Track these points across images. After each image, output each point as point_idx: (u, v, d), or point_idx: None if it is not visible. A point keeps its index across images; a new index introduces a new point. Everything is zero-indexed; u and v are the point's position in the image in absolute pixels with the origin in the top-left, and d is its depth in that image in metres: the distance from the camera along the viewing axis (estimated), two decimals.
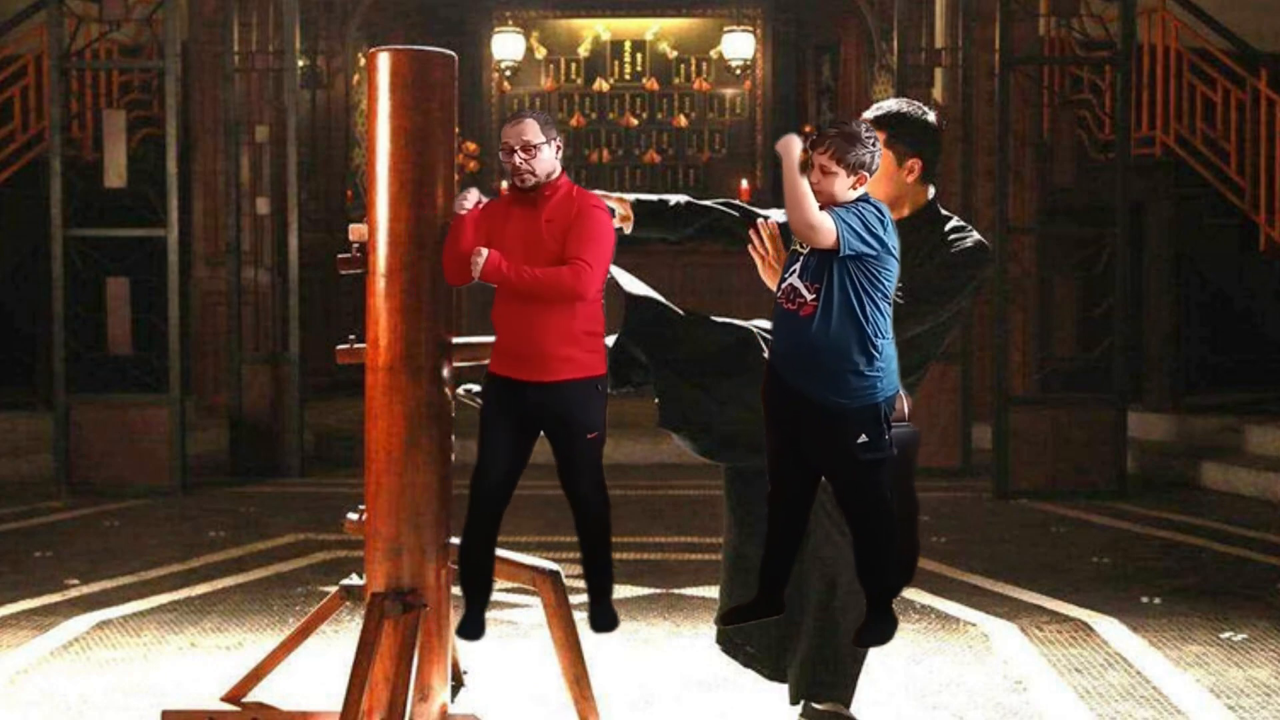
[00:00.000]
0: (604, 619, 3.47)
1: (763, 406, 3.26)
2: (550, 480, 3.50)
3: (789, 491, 3.24)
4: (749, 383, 3.34)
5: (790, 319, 3.15)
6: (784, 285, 3.18)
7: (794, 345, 3.15)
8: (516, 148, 3.37)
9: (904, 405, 3.17)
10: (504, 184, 3.68)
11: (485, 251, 3.32)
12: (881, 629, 3.26)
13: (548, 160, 3.40)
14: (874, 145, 3.16)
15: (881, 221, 3.13)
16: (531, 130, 3.38)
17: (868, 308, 3.11)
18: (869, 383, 3.12)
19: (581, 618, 3.51)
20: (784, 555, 3.29)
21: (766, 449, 3.27)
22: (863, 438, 3.12)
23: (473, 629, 3.47)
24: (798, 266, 3.16)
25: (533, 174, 3.38)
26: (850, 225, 3.08)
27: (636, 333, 3.66)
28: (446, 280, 3.47)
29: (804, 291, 3.12)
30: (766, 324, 3.55)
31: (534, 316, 3.36)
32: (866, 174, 3.15)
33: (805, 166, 3.08)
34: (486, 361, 3.60)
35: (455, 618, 3.54)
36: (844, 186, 3.14)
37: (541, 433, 3.45)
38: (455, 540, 3.56)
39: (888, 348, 3.16)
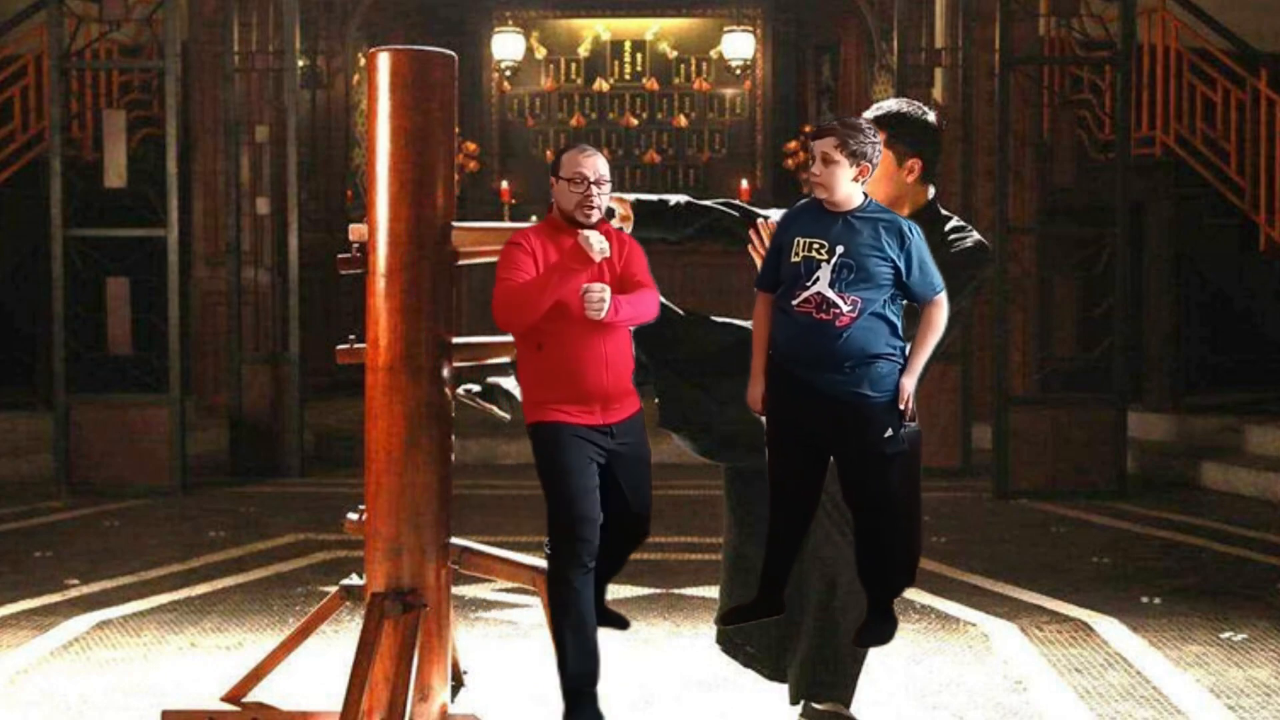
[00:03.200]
0: (609, 619, 3.52)
1: (769, 407, 3.26)
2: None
3: (794, 492, 3.24)
4: (748, 383, 3.34)
5: (821, 327, 3.14)
6: (809, 293, 3.15)
7: (823, 351, 3.15)
8: (593, 180, 3.37)
9: (912, 405, 3.20)
10: (504, 184, 3.66)
11: (607, 290, 3.27)
12: (882, 630, 3.26)
13: (607, 198, 3.44)
14: (876, 138, 3.19)
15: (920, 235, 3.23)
16: (604, 166, 3.40)
17: (893, 304, 3.19)
18: (892, 369, 3.17)
19: None
20: (785, 556, 3.30)
21: (770, 449, 3.27)
22: (888, 432, 3.17)
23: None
24: (826, 275, 3.14)
25: (600, 210, 3.39)
26: (933, 265, 3.22)
27: (637, 333, 3.67)
28: (509, 322, 3.36)
29: (840, 304, 3.13)
30: None
31: (610, 354, 3.37)
32: (869, 166, 3.18)
33: (806, 162, 3.14)
34: (487, 361, 3.60)
35: (455, 618, 3.54)
36: (846, 177, 3.17)
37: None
38: (455, 540, 3.56)
39: (904, 330, 3.23)
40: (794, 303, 3.18)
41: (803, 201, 3.33)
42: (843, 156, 3.15)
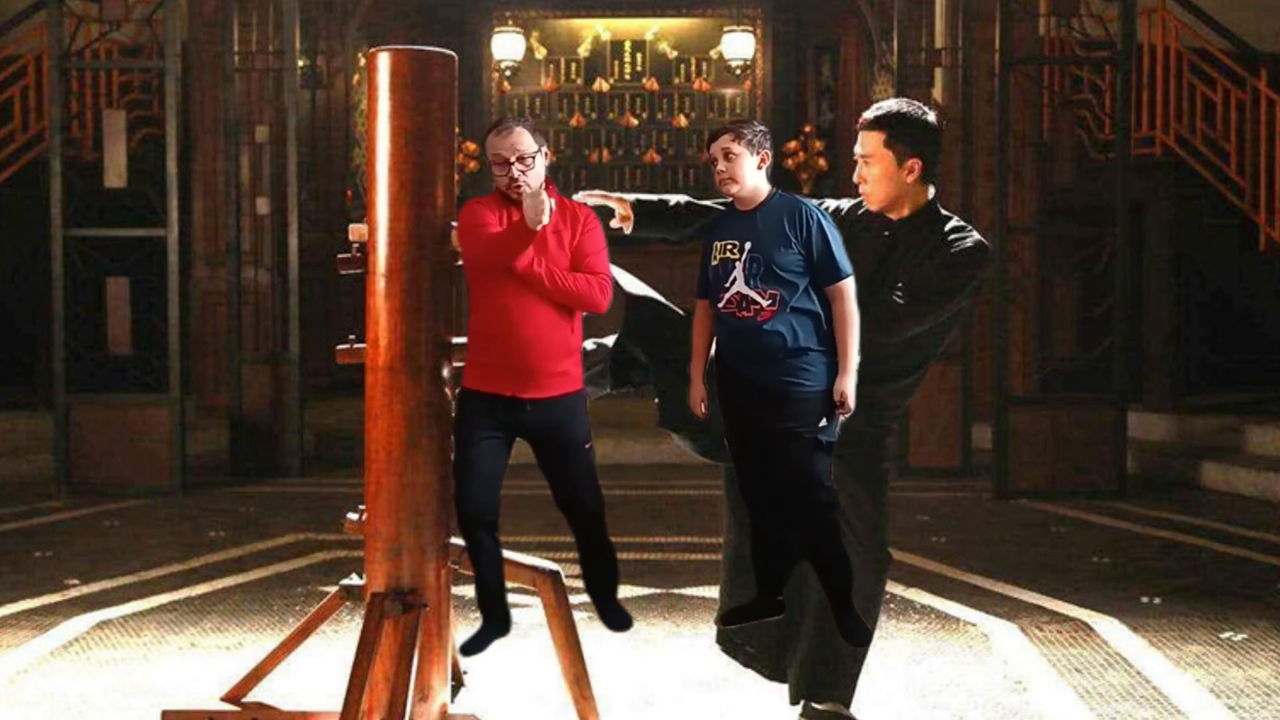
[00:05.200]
0: (619, 617, 3.47)
1: (721, 408, 3.35)
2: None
3: (758, 482, 3.31)
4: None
5: (745, 325, 3.24)
6: (730, 294, 3.26)
7: (751, 347, 3.25)
8: (511, 160, 3.34)
9: (850, 404, 3.28)
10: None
11: (552, 203, 3.23)
12: (856, 626, 3.29)
13: (541, 170, 3.38)
14: (764, 130, 3.36)
15: (825, 218, 3.33)
16: (524, 141, 3.35)
17: (815, 296, 3.27)
18: (821, 360, 3.25)
19: (581, 617, 3.51)
20: (773, 552, 3.33)
21: (733, 454, 3.38)
22: (822, 421, 3.26)
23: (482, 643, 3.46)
24: (739, 273, 3.25)
25: (529, 185, 3.35)
26: (840, 250, 3.28)
27: (636, 333, 3.67)
28: (476, 267, 3.34)
29: (758, 299, 3.24)
30: None
31: (536, 332, 3.32)
32: (768, 154, 3.33)
33: (709, 165, 3.33)
34: None
35: (455, 618, 3.54)
36: (751, 166, 3.31)
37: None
38: (455, 540, 3.56)
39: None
40: (720, 305, 3.30)
41: (720, 210, 3.47)
42: (741, 147, 3.29)
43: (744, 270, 3.24)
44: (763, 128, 3.35)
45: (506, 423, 3.38)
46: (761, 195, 3.32)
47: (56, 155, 8.04)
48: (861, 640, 3.36)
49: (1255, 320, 10.62)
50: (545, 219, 3.21)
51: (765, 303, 3.22)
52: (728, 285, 3.27)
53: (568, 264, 3.35)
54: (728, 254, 3.29)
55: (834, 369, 3.26)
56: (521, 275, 3.28)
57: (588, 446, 3.43)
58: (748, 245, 3.26)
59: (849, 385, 3.25)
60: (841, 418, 3.29)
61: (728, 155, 3.29)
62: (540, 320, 3.32)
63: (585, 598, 3.48)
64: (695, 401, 3.42)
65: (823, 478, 3.27)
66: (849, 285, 3.28)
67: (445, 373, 3.52)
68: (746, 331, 3.24)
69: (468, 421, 3.40)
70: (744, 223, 3.31)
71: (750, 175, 3.29)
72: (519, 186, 3.34)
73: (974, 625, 5.15)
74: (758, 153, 3.30)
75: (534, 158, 3.35)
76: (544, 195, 3.23)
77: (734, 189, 3.31)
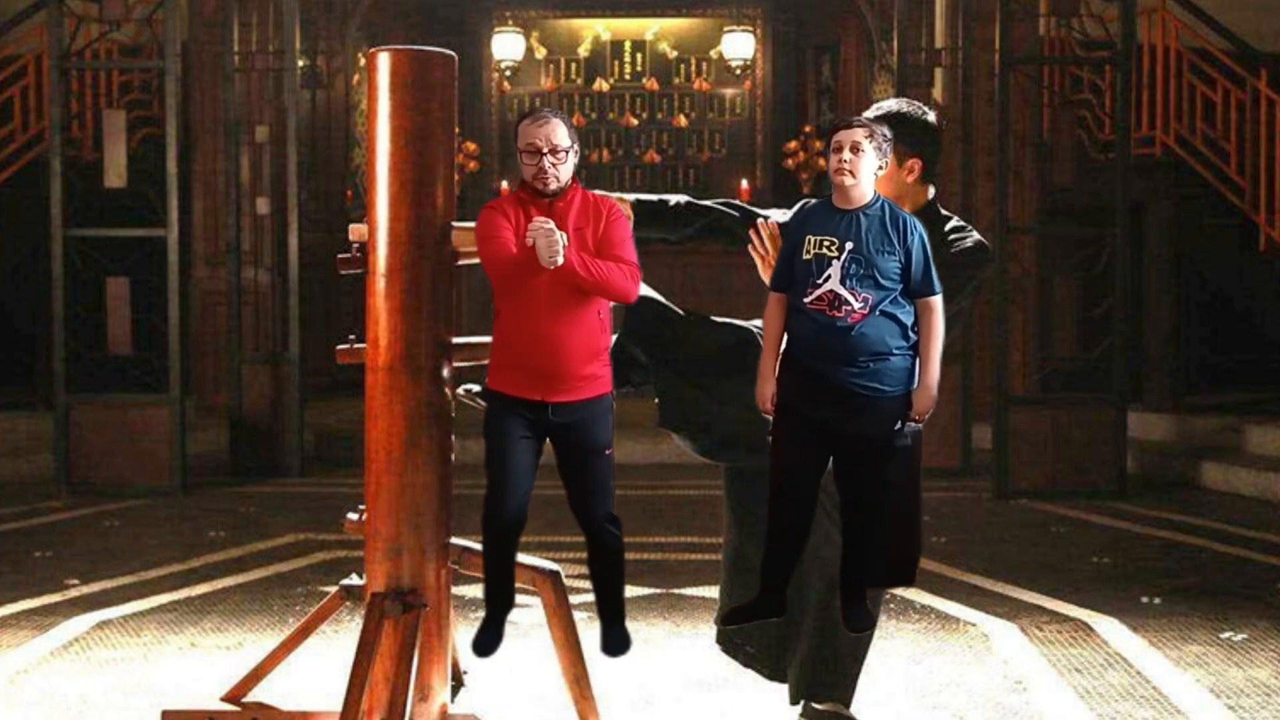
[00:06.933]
0: (619, 643, 3.45)
1: (779, 399, 3.26)
2: (550, 480, 3.50)
3: (796, 486, 3.25)
4: (749, 383, 3.35)
5: (833, 324, 3.17)
6: (821, 290, 3.18)
7: (836, 347, 3.18)
8: (545, 150, 3.28)
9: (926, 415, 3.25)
10: (504, 184, 3.63)
11: (564, 237, 3.18)
12: (861, 614, 3.29)
13: (571, 166, 3.34)
14: (890, 137, 3.29)
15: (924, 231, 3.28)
16: (559, 133, 3.30)
17: (903, 303, 3.22)
18: (903, 365, 3.21)
19: (581, 617, 3.51)
20: (785, 556, 3.30)
21: (775, 441, 3.28)
22: (897, 424, 3.23)
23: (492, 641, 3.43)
24: (836, 271, 3.18)
25: (558, 179, 3.31)
26: (934, 270, 3.23)
27: (636, 333, 3.66)
28: (494, 275, 3.29)
29: (851, 300, 3.16)
30: None
31: (564, 334, 3.28)
32: (885, 165, 3.26)
33: (827, 151, 3.24)
34: (486, 362, 3.60)
35: (455, 618, 3.54)
36: (871, 167, 3.24)
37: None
38: (455, 540, 3.56)
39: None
40: (806, 301, 3.20)
41: (813, 202, 3.36)
42: (871, 146, 3.21)
43: (842, 269, 3.16)
44: (890, 134, 3.27)
45: (535, 423, 3.35)
46: (868, 197, 3.24)
47: (56, 155, 8.04)
48: (862, 626, 3.34)
49: (1255, 320, 10.61)
50: (559, 259, 3.15)
51: (858, 304, 3.15)
52: (820, 281, 3.18)
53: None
54: (824, 250, 3.19)
55: (911, 373, 3.21)
56: (565, 276, 3.22)
57: (608, 452, 3.39)
58: (848, 245, 3.18)
59: (930, 399, 3.22)
60: (914, 424, 3.26)
61: (856, 149, 3.19)
62: (566, 323, 3.28)
63: (585, 598, 3.48)
64: (765, 398, 3.27)
65: (884, 484, 3.23)
66: (940, 301, 3.23)
67: (445, 373, 3.52)
68: (834, 331, 3.16)
69: (500, 423, 3.35)
70: (844, 221, 3.22)
71: (868, 175, 3.22)
72: (547, 179, 3.29)
73: (974, 625, 5.15)
74: (881, 157, 3.23)
75: (567, 152, 3.30)
76: (558, 233, 3.16)
77: (849, 183, 3.21)
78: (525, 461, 3.36)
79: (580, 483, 3.39)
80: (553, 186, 3.31)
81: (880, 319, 3.17)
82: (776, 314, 3.28)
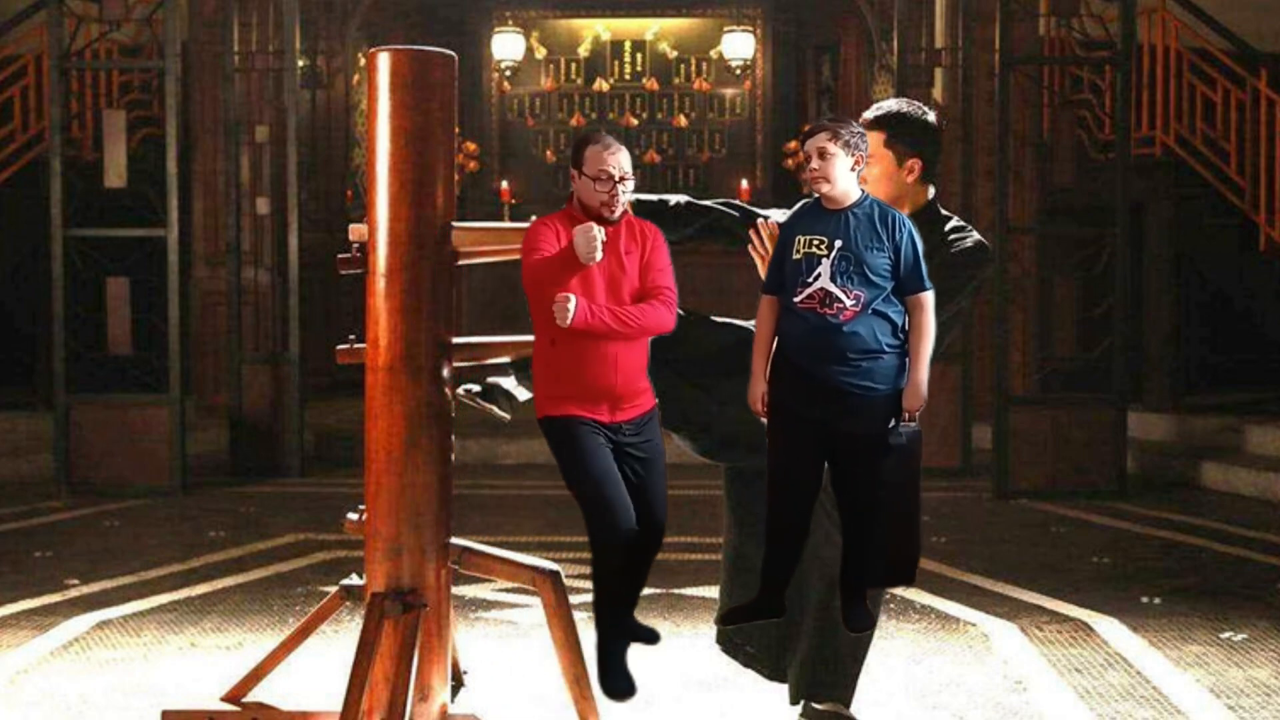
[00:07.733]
0: (641, 633, 3.44)
1: (772, 399, 3.27)
2: (551, 480, 3.51)
3: (793, 484, 3.26)
4: (748, 383, 3.35)
5: (824, 322, 3.18)
6: (812, 289, 3.19)
7: (828, 346, 3.18)
8: (618, 177, 3.31)
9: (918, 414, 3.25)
10: (504, 184, 3.64)
11: (573, 300, 3.19)
12: (861, 614, 3.29)
13: (631, 193, 3.38)
14: (862, 130, 3.29)
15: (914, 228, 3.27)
16: (628, 161, 3.34)
17: (894, 301, 3.22)
18: (895, 364, 3.21)
19: (581, 617, 3.51)
20: (784, 556, 3.30)
21: (771, 441, 3.28)
22: (890, 422, 3.22)
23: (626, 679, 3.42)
24: (826, 269, 3.19)
25: (622, 205, 3.34)
26: (923, 267, 3.23)
27: None
28: (538, 296, 3.29)
29: (843, 297, 3.17)
30: None
31: (620, 355, 3.32)
32: (862, 156, 3.25)
33: (802, 164, 3.22)
34: (487, 361, 3.60)
35: (455, 618, 3.53)
36: (844, 166, 3.23)
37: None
38: (455, 540, 3.56)
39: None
40: (797, 300, 3.21)
41: (802, 202, 3.36)
42: (837, 148, 3.21)
43: (832, 267, 3.18)
44: (860, 129, 3.28)
45: (607, 436, 3.37)
46: (853, 197, 3.24)
47: (56, 155, 8.04)
48: (862, 626, 3.34)
49: (1255, 320, 10.61)
50: (598, 256, 3.16)
51: (849, 302, 3.16)
52: (810, 280, 3.19)
53: (636, 283, 3.33)
54: (813, 249, 3.21)
55: (902, 370, 3.22)
56: (584, 331, 3.23)
57: (664, 463, 3.45)
58: (838, 243, 3.19)
59: (919, 397, 3.22)
60: (911, 425, 3.27)
61: (823, 154, 3.21)
62: (621, 344, 3.31)
63: (585, 598, 3.47)
64: (756, 398, 3.30)
65: (879, 483, 3.24)
66: (930, 298, 3.24)
67: (445, 373, 3.52)
68: (825, 330, 3.17)
69: (579, 442, 3.33)
70: (833, 220, 3.23)
71: (843, 176, 3.22)
72: (615, 206, 3.31)
73: (974, 625, 5.15)
74: (853, 154, 3.22)
75: (632, 180, 3.34)
76: (596, 231, 3.16)
77: (825, 188, 3.23)
78: (616, 471, 3.36)
79: (645, 493, 3.42)
80: (617, 214, 3.33)
81: (872, 317, 3.18)
82: (768, 316, 3.31)
